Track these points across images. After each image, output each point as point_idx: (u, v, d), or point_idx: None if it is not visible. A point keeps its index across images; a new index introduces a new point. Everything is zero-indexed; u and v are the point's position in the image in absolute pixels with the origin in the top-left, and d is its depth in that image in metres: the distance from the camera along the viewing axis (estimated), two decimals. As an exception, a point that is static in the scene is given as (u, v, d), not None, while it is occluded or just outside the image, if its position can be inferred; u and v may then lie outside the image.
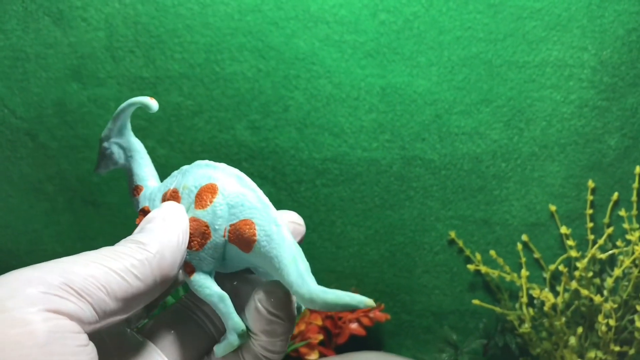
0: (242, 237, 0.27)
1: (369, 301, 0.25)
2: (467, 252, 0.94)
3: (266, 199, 0.28)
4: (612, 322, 0.84)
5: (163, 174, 0.97)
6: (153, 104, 0.32)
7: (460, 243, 0.94)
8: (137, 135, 0.96)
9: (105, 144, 0.34)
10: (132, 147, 0.34)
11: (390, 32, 0.86)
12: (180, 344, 0.29)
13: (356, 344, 0.93)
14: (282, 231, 0.27)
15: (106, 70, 0.89)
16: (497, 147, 0.89)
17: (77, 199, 0.95)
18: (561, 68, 0.86)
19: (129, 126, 0.33)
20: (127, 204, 0.94)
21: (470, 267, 0.93)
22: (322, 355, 0.88)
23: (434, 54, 0.86)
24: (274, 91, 0.89)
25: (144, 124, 0.91)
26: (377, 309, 0.94)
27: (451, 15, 0.86)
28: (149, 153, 0.98)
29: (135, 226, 0.30)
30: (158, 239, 0.27)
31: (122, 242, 0.28)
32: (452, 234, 0.93)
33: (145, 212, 0.31)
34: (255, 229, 0.27)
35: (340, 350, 0.91)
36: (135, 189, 0.33)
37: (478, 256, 0.93)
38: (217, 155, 0.92)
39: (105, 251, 0.26)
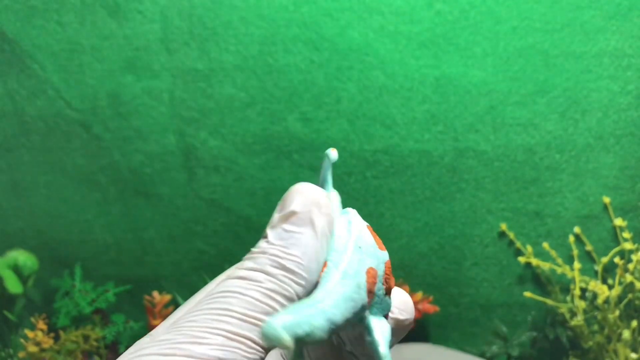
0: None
1: None
2: (518, 244, 0.93)
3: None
4: (669, 316, 0.83)
5: (215, 166, 0.98)
6: (333, 155, 0.29)
7: (511, 235, 0.93)
8: (190, 127, 0.97)
9: None
10: None
11: (446, 22, 0.85)
12: None
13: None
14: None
15: (160, 62, 0.90)
16: (552, 139, 0.89)
17: (129, 190, 0.96)
18: (619, 58, 0.85)
19: (329, 181, 0.29)
20: (178, 195, 0.96)
21: (521, 259, 0.92)
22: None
23: (489, 45, 0.85)
24: (327, 83, 0.89)
25: (197, 116, 0.92)
26: (426, 301, 0.94)
27: (508, 5, 0.85)
28: (201, 145, 0.99)
29: None
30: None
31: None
32: (503, 226, 0.93)
33: None
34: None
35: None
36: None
37: (529, 249, 0.93)
38: (269, 147, 0.92)
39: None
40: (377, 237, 0.26)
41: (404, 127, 0.89)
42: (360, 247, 0.24)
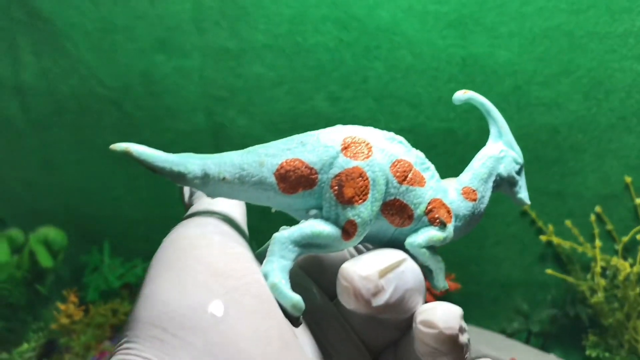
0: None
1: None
2: (540, 223, 0.95)
3: None
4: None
5: (243, 144, 0.99)
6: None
7: (533, 214, 0.95)
8: (219, 106, 0.99)
9: None
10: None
11: (473, 2, 0.87)
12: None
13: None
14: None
15: (191, 41, 0.92)
16: (575, 119, 0.90)
17: (158, 168, 0.98)
18: (644, 39, 0.87)
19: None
20: (206, 172, 0.98)
21: (543, 238, 0.94)
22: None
23: (515, 25, 0.87)
24: (354, 62, 0.90)
25: (226, 95, 0.94)
26: (448, 278, 0.96)
27: (534, -14, 0.87)
28: (230, 123, 1.01)
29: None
30: None
31: None
32: (525, 206, 0.95)
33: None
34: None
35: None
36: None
37: (550, 227, 0.94)
38: (296, 126, 0.94)
39: None
40: (399, 166, 0.27)
41: (430, 107, 0.91)
42: (302, 143, 0.26)
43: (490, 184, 0.31)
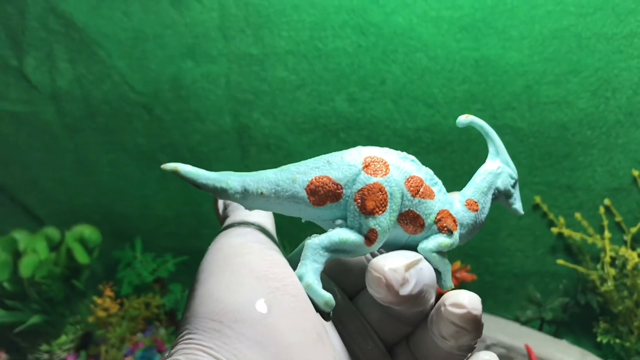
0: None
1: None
2: (551, 216, 0.99)
3: None
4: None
5: (266, 144, 1.05)
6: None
7: (545, 207, 0.99)
8: (244, 108, 1.04)
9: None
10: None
11: (485, 7, 0.91)
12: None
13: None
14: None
15: (218, 48, 0.97)
16: (584, 116, 0.94)
17: (187, 168, 1.03)
18: (649, 39, 0.91)
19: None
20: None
21: (554, 230, 0.98)
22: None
23: (525, 28, 0.91)
24: (373, 65, 0.95)
25: (250, 98, 0.99)
26: (464, 269, 1.00)
27: (543, -10, 0.91)
28: (254, 125, 1.05)
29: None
30: None
31: None
32: (537, 199, 0.99)
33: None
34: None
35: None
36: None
37: (561, 220, 0.99)
38: (317, 126, 0.99)
39: None
40: (414, 183, 0.31)
41: (445, 106, 0.95)
42: (329, 162, 0.30)
43: (490, 196, 0.35)
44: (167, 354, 0.26)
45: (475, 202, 0.34)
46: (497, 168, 0.36)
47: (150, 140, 1.03)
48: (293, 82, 0.97)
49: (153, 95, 1.00)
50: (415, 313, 0.30)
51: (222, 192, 0.30)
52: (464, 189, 0.35)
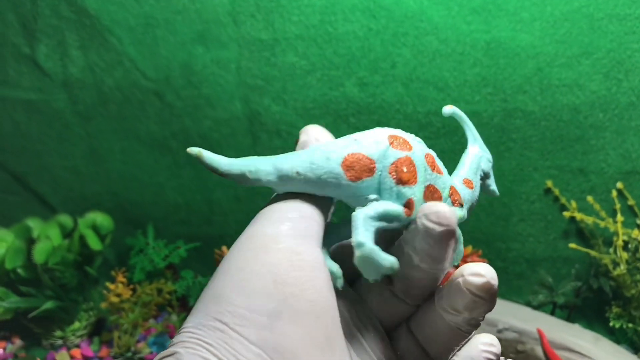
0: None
1: None
2: (563, 200, 0.99)
3: None
4: None
5: (277, 130, 1.05)
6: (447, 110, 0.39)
7: (557, 191, 0.99)
8: (254, 94, 1.04)
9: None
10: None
11: (496, -11, 0.91)
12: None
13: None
14: None
15: (228, 33, 0.97)
16: (596, 98, 0.94)
17: (198, 154, 1.04)
18: (662, 19, 0.90)
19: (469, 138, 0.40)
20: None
21: (566, 214, 0.98)
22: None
23: (537, 9, 0.91)
24: (383, 49, 0.95)
25: (261, 83, 1.00)
26: (476, 255, 1.00)
27: (555, -28, 0.90)
28: (265, 110, 1.06)
29: None
30: None
31: None
32: (549, 183, 0.99)
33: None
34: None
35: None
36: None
37: (573, 204, 0.98)
38: (327, 111, 0.99)
39: None
40: (429, 162, 0.32)
41: (456, 90, 0.95)
42: (356, 140, 0.30)
43: (479, 176, 0.38)
44: (169, 342, 0.27)
45: (471, 181, 0.37)
46: (479, 151, 0.39)
47: (162, 127, 1.03)
48: (303, 67, 0.98)
49: (164, 82, 1.00)
50: (436, 269, 0.30)
51: (251, 177, 0.30)
52: (456, 170, 0.37)
